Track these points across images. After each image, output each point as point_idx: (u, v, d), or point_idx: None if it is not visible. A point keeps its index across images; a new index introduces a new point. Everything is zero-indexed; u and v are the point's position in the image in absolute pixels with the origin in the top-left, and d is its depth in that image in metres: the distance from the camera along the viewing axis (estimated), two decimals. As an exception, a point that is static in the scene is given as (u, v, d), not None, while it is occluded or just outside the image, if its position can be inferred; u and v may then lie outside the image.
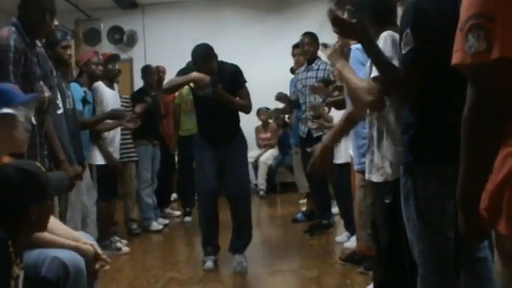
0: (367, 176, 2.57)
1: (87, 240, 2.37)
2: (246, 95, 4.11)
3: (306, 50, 5.17)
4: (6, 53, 2.61)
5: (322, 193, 5.22)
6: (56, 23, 3.18)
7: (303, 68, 5.23)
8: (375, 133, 2.42)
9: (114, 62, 4.97)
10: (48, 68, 3.14)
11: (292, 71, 6.02)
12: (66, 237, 2.25)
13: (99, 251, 2.33)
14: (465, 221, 1.21)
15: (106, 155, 4.56)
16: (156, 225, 5.64)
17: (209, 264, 4.07)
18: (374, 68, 2.29)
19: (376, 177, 2.43)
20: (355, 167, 3.31)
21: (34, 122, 2.32)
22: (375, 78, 2.22)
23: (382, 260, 2.61)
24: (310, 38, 5.15)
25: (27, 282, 1.90)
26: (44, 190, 1.83)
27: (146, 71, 6.00)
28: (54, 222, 2.03)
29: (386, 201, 2.40)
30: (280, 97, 5.49)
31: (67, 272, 2.10)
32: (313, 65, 5.10)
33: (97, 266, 2.30)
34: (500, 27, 1.03)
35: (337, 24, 2.18)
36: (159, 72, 6.16)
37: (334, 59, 2.49)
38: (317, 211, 5.39)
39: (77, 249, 2.22)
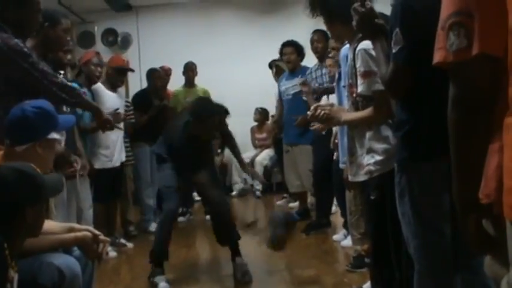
0: (350, 178, 2.57)
1: (80, 226, 2.35)
2: None
3: (316, 47, 5.10)
4: (21, 48, 2.64)
5: (325, 192, 5.09)
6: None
7: (315, 66, 5.17)
8: (355, 133, 2.44)
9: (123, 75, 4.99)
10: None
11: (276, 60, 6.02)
12: (60, 231, 2.22)
13: (96, 232, 2.26)
14: (463, 220, 1.21)
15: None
16: (154, 227, 5.62)
17: (163, 285, 3.70)
18: (360, 81, 2.34)
19: (361, 177, 2.44)
20: (341, 165, 3.27)
21: (63, 143, 2.35)
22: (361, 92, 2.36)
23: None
24: (320, 35, 5.02)
25: (23, 288, 1.89)
26: (40, 192, 1.83)
27: (153, 74, 5.89)
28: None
29: (372, 197, 2.41)
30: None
31: (62, 278, 2.08)
32: (325, 63, 4.90)
33: (99, 248, 2.23)
34: (479, 24, 1.05)
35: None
36: (166, 74, 6.14)
37: (337, 117, 2.53)
38: (317, 210, 5.31)
39: (75, 240, 2.20)
